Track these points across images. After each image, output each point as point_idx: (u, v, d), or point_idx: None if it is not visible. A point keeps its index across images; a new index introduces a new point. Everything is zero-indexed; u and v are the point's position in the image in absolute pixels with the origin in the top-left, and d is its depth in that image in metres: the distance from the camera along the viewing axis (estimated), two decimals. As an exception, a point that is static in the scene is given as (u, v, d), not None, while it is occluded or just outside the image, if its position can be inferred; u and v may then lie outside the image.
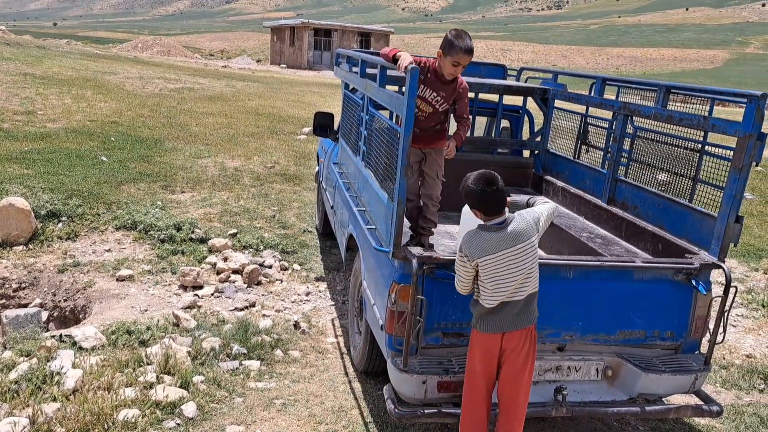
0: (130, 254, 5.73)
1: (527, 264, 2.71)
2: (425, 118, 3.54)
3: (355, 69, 4.56)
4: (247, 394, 3.66)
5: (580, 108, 5.13)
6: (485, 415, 2.88)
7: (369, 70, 4.23)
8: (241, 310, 4.84)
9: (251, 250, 5.95)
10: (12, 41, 21.35)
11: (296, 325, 4.57)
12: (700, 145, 3.81)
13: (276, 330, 4.47)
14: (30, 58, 17.08)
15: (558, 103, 5.42)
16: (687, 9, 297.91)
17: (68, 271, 5.40)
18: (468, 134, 4.13)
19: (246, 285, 5.27)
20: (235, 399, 3.60)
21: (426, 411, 2.99)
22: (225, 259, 5.61)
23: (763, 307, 5.69)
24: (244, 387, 3.73)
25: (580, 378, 3.28)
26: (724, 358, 4.69)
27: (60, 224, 6.15)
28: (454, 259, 2.84)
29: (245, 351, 4.08)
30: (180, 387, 3.54)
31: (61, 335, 4.11)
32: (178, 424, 3.28)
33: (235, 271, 5.45)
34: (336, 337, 4.56)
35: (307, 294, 5.27)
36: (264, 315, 4.75)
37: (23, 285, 5.31)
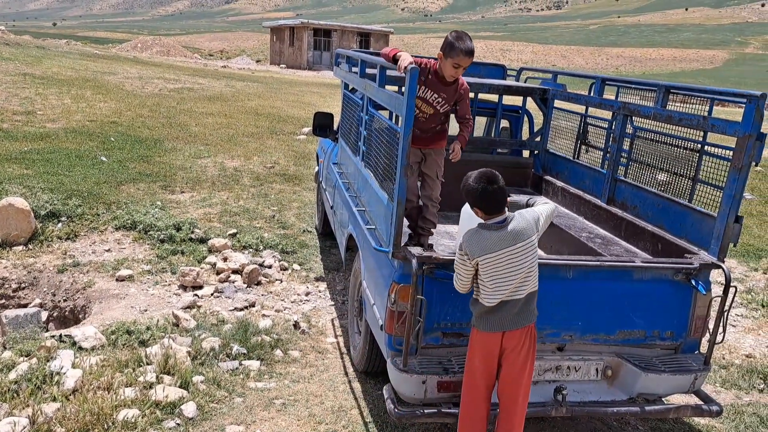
0: (129, 254, 5.73)
1: (527, 262, 2.72)
2: (426, 120, 3.55)
3: (354, 69, 4.55)
4: (247, 394, 3.66)
5: (580, 108, 5.13)
6: (485, 416, 2.88)
7: (369, 71, 4.23)
8: (241, 310, 4.84)
9: (251, 250, 5.95)
10: (11, 41, 21.33)
11: (296, 325, 4.57)
12: (699, 145, 3.82)
13: (276, 330, 4.47)
14: (29, 59, 17.07)
15: (557, 103, 5.42)
16: (686, 9, 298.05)
17: (68, 271, 5.40)
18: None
19: (246, 285, 5.27)
20: (235, 399, 3.60)
21: (426, 411, 3.00)
22: (225, 259, 5.61)
23: (763, 307, 5.69)
24: (243, 387, 3.74)
25: (580, 378, 3.29)
26: (723, 358, 4.69)
27: (59, 224, 6.15)
28: (454, 259, 2.84)
29: (245, 351, 4.08)
30: (180, 387, 3.54)
31: (60, 335, 4.10)
32: (178, 424, 3.28)
33: (235, 271, 5.46)
34: (336, 337, 4.56)
35: (307, 294, 5.27)
36: (264, 315, 4.75)
37: (23, 285, 5.31)
